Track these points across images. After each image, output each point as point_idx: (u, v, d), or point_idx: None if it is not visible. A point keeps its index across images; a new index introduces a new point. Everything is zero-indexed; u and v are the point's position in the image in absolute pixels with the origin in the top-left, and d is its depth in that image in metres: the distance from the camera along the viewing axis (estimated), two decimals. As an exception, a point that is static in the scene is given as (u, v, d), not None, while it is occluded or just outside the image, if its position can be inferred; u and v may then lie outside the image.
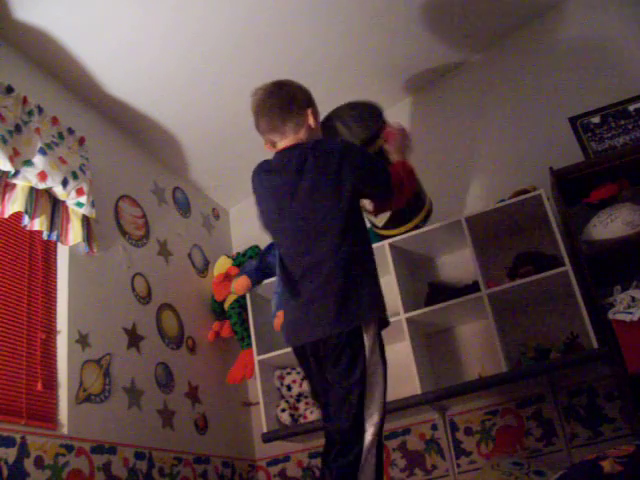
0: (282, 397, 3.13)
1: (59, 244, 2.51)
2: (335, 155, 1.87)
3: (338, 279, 1.80)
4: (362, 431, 1.74)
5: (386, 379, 1.82)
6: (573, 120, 2.97)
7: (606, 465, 1.43)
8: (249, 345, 3.16)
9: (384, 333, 2.95)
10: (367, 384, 1.75)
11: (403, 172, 2.06)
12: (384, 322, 1.92)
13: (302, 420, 3.01)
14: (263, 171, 2.03)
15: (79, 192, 2.46)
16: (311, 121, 2.00)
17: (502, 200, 2.91)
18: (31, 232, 2.41)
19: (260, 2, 2.72)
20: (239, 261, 3.39)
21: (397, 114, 3.47)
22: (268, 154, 4.00)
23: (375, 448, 1.74)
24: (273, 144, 2.03)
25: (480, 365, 2.83)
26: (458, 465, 2.90)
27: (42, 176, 2.30)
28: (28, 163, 2.27)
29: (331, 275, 1.81)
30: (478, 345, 2.95)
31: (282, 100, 2.00)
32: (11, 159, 2.17)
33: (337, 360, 1.78)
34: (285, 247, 1.95)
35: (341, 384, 1.77)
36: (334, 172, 1.85)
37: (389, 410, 2.78)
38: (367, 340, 1.79)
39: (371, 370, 1.78)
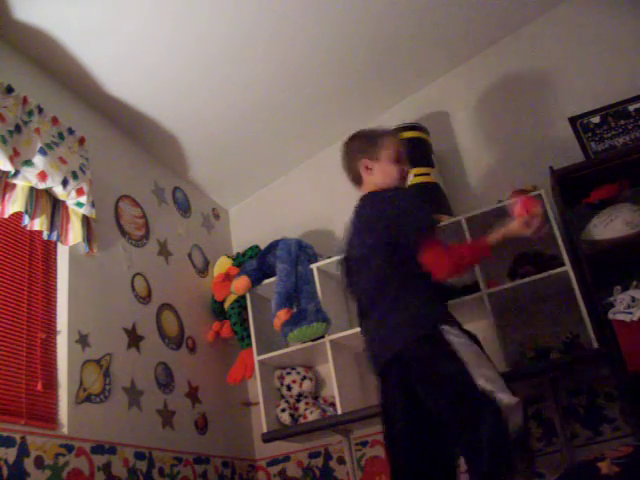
0: (282, 397, 3.13)
1: (59, 244, 2.51)
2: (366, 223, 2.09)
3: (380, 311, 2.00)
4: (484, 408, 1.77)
5: (476, 359, 1.86)
6: (573, 120, 2.97)
7: (604, 467, 1.43)
8: (249, 345, 3.16)
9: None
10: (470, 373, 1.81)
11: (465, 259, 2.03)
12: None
13: (302, 420, 3.00)
14: None
15: (79, 192, 2.46)
16: (367, 169, 2.16)
17: (502, 200, 2.90)
18: (31, 232, 2.41)
19: (265, 4, 2.72)
20: (239, 261, 3.39)
21: (394, 117, 3.47)
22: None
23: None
24: None
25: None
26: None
27: (42, 176, 2.30)
28: (28, 163, 2.28)
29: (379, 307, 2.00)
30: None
31: (343, 160, 2.25)
32: (11, 159, 2.18)
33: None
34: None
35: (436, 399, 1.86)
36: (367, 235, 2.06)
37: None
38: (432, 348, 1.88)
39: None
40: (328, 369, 2.97)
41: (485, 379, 1.79)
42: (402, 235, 1.97)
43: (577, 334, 2.67)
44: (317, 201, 3.66)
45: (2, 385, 2.09)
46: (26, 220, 2.30)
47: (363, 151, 2.19)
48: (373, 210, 2.07)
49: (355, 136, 2.28)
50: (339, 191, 3.59)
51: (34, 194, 2.32)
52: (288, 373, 3.15)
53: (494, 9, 3.23)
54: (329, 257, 3.17)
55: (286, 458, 3.25)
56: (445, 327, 1.89)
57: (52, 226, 2.39)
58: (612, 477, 1.40)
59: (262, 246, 3.35)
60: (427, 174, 3.08)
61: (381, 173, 2.16)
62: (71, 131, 2.59)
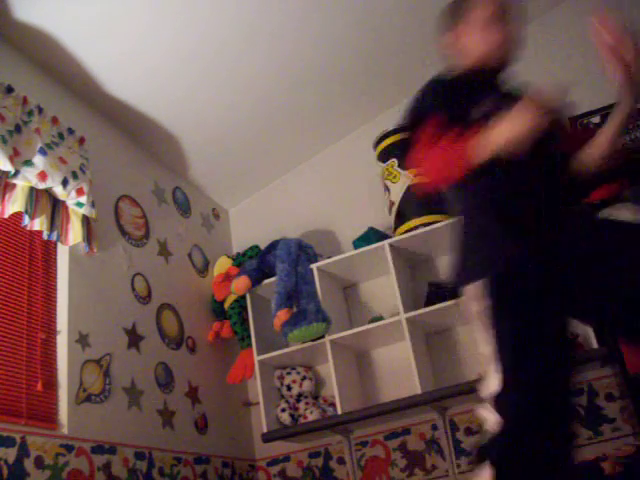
0: (282, 397, 3.13)
1: (59, 244, 2.51)
2: None
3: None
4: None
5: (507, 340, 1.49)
6: (573, 120, 2.97)
7: (607, 467, 1.43)
8: (249, 345, 3.17)
9: (384, 333, 2.95)
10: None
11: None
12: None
13: (302, 420, 3.00)
14: None
15: (79, 192, 2.46)
16: (451, 47, 1.72)
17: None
18: (31, 232, 2.40)
19: (266, 3, 2.72)
20: (239, 261, 3.39)
21: (395, 117, 3.48)
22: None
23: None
24: None
25: (480, 365, 2.83)
26: (458, 465, 2.90)
27: (42, 176, 2.30)
28: (28, 163, 2.27)
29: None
30: (478, 345, 2.94)
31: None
32: (11, 159, 2.17)
33: None
34: None
35: None
36: None
37: (389, 410, 2.79)
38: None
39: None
40: (328, 369, 2.97)
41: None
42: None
43: (577, 334, 2.67)
44: (317, 201, 3.66)
45: (2, 385, 2.09)
46: (26, 220, 2.30)
47: (446, 27, 1.75)
48: None
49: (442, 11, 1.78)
50: (339, 191, 3.61)
51: (34, 194, 2.31)
52: (288, 373, 3.15)
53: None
54: (329, 257, 3.17)
55: (286, 458, 3.25)
56: (471, 286, 1.53)
57: (52, 226, 2.39)
58: (615, 477, 1.40)
59: (262, 246, 3.35)
60: (427, 174, 3.09)
61: (463, 48, 1.72)
62: (71, 131, 2.59)
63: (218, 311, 3.36)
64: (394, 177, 3.12)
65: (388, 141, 3.21)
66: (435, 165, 1.50)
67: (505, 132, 1.39)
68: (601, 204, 2.69)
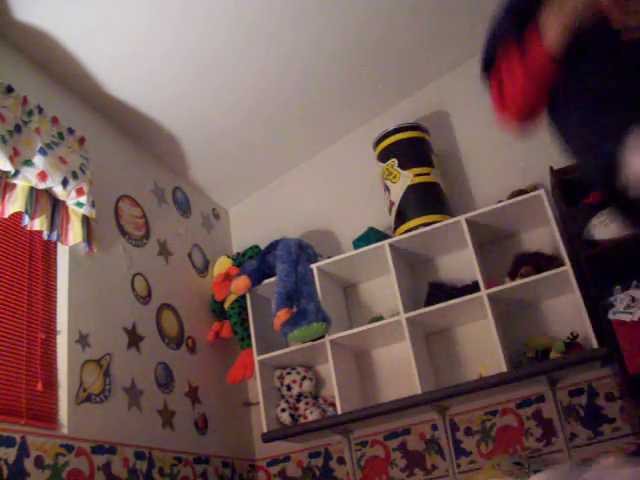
0: (282, 397, 3.13)
1: (59, 244, 2.51)
2: None
3: None
4: None
5: None
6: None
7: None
8: (249, 345, 3.17)
9: (384, 333, 2.96)
10: None
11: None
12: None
13: (302, 420, 3.00)
14: None
15: (79, 192, 2.46)
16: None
17: (502, 200, 2.91)
18: (31, 232, 2.40)
19: (266, 3, 2.72)
20: (239, 261, 3.39)
21: (395, 117, 3.48)
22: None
23: None
24: None
25: (480, 365, 2.83)
26: (458, 465, 2.90)
27: (42, 176, 2.30)
28: (28, 163, 2.27)
29: None
30: (478, 345, 2.95)
31: None
32: (11, 159, 2.17)
33: None
34: None
35: None
36: None
37: (389, 410, 2.80)
38: None
39: None
40: (328, 369, 2.97)
41: None
42: None
43: (577, 334, 2.68)
44: (317, 201, 3.66)
45: (2, 385, 2.09)
46: (26, 220, 2.30)
47: None
48: None
49: None
50: (339, 191, 3.61)
51: (34, 194, 2.31)
52: (288, 373, 3.15)
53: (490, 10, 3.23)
54: (329, 257, 3.17)
55: (286, 458, 3.25)
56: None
57: (52, 226, 2.39)
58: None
59: (262, 246, 3.35)
60: (427, 174, 3.10)
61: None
62: (71, 131, 2.59)
63: (218, 311, 3.36)
64: (394, 177, 3.13)
65: (388, 141, 3.21)
66: (524, 79, 1.38)
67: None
68: (601, 204, 2.69)
